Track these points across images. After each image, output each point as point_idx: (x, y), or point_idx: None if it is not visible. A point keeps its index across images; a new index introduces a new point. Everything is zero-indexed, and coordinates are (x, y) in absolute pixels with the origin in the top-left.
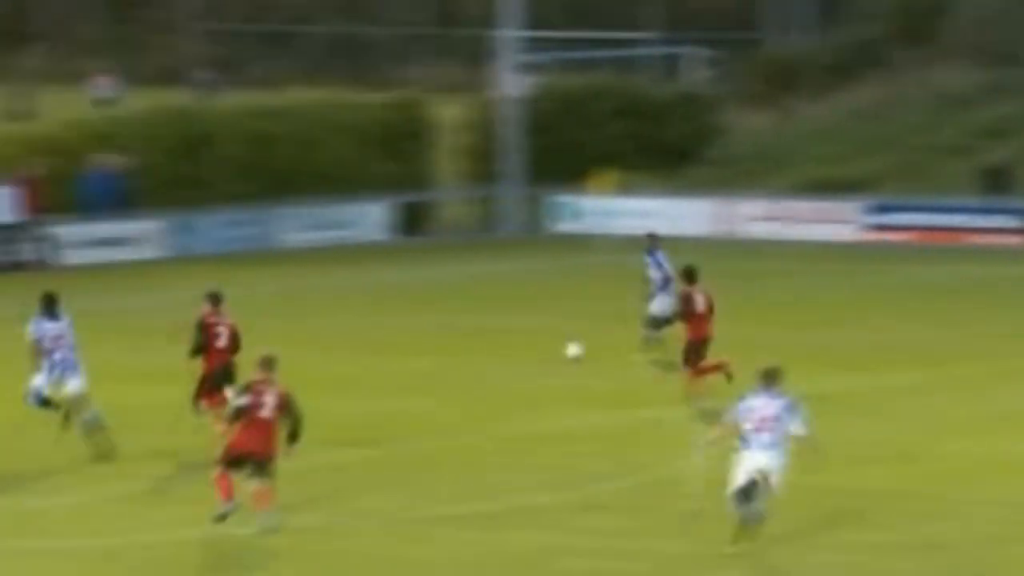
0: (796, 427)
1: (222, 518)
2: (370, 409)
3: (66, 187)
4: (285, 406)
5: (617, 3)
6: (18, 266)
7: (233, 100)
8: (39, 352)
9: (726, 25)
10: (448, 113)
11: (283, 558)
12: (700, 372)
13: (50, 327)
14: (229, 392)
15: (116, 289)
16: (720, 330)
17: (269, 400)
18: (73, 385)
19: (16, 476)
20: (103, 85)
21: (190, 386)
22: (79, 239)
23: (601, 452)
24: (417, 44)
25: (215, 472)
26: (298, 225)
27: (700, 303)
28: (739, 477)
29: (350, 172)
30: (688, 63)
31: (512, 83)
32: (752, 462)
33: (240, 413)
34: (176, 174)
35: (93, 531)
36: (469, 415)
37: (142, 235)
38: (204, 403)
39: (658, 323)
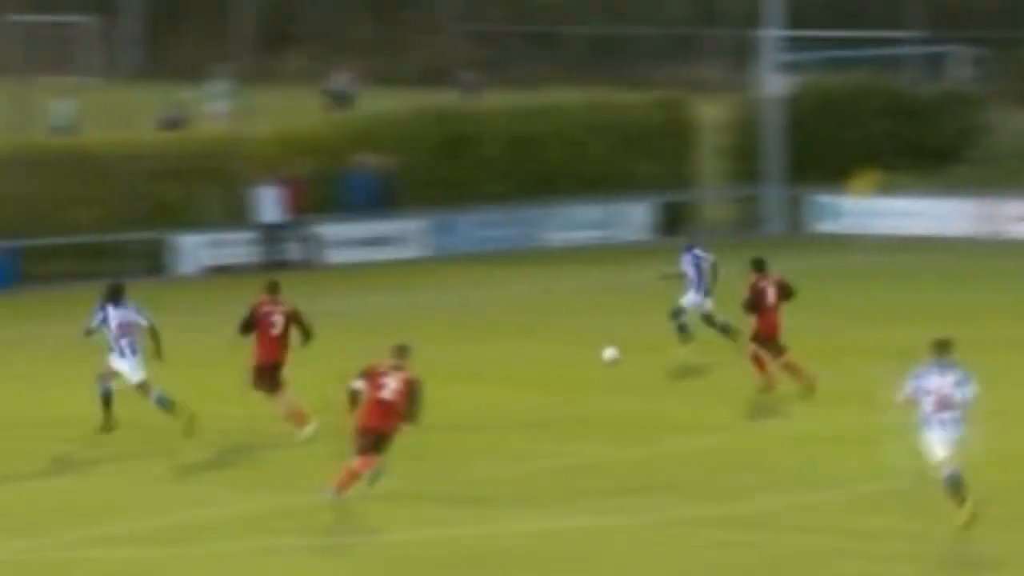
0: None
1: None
2: (638, 408)
3: (329, 187)
4: (409, 391)
5: (881, 2)
6: (283, 265)
7: (495, 101)
8: (112, 337)
9: (991, 23)
10: (710, 113)
11: (543, 560)
12: (787, 368)
13: (116, 314)
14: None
15: (379, 288)
16: (988, 329)
17: (391, 383)
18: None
19: (281, 470)
20: (340, 81)
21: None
22: (342, 239)
23: (854, 453)
24: (679, 44)
25: (354, 463)
26: (559, 225)
27: (771, 295)
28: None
29: (612, 172)
30: (953, 61)
31: (774, 82)
32: (941, 442)
33: (356, 396)
34: (438, 174)
35: (349, 529)
36: (723, 416)
37: (404, 234)
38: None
39: (711, 321)
